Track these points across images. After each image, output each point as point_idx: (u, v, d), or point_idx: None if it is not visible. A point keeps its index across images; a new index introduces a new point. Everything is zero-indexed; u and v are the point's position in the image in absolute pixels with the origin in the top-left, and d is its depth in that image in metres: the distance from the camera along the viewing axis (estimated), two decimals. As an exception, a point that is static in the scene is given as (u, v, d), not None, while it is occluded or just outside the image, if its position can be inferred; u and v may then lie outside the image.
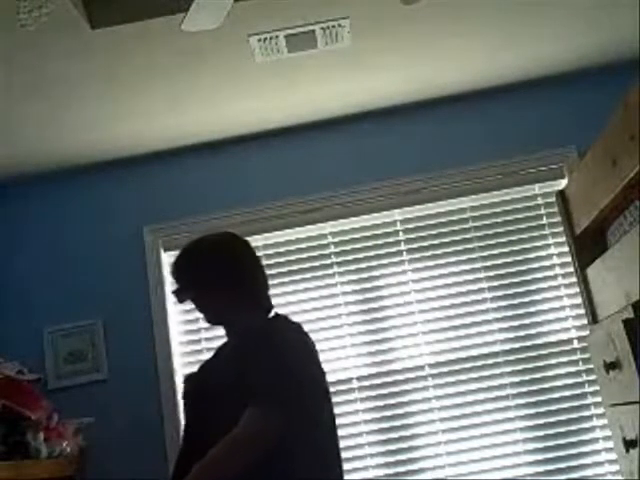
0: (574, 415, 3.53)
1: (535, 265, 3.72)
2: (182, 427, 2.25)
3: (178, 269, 2.32)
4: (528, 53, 3.52)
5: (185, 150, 3.85)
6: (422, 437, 3.58)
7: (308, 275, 3.77)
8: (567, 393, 3.56)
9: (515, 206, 3.79)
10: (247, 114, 3.65)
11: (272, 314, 2.29)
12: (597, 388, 3.17)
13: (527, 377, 3.59)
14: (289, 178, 3.82)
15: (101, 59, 2.98)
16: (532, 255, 3.73)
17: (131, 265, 3.76)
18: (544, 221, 3.75)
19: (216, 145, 3.84)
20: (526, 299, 3.69)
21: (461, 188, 3.79)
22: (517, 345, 3.63)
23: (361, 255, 3.78)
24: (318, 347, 2.25)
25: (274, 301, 2.33)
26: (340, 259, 3.79)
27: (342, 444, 2.23)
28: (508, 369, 3.61)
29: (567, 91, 3.77)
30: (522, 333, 3.65)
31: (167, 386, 3.60)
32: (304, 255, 3.80)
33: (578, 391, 3.55)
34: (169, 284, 3.66)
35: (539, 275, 3.70)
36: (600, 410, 3.37)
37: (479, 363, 3.62)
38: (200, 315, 2.34)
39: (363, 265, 3.77)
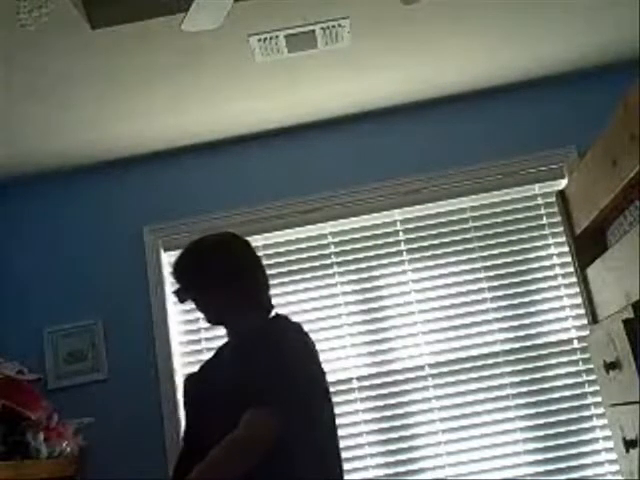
0: (574, 415, 3.53)
1: (535, 265, 3.71)
2: (182, 427, 2.25)
3: (179, 269, 2.32)
4: (528, 53, 3.52)
5: (185, 150, 3.85)
6: (422, 437, 3.58)
7: (308, 275, 3.77)
8: (567, 393, 3.56)
9: (515, 206, 3.79)
10: (247, 114, 3.65)
11: (272, 314, 2.29)
12: (597, 388, 3.17)
13: (527, 377, 3.59)
14: (289, 178, 3.82)
15: (101, 59, 2.98)
16: (532, 255, 3.73)
17: (131, 265, 3.75)
18: (544, 221, 3.75)
19: (216, 145, 3.84)
20: (526, 299, 3.68)
21: (461, 188, 3.79)
22: (517, 345, 3.63)
23: (361, 255, 3.78)
24: (318, 347, 2.24)
25: (274, 301, 2.33)
26: (340, 259, 3.79)
27: (342, 444, 2.23)
28: (508, 369, 3.61)
29: (567, 91, 3.76)
30: (522, 333, 3.65)
31: (167, 386, 3.60)
32: (304, 255, 3.80)
33: (578, 391, 3.55)
34: (169, 284, 3.66)
35: (539, 275, 3.70)
36: (600, 410, 3.37)
37: (479, 363, 3.62)
38: (200, 315, 2.34)
39: (363, 265, 3.77)
